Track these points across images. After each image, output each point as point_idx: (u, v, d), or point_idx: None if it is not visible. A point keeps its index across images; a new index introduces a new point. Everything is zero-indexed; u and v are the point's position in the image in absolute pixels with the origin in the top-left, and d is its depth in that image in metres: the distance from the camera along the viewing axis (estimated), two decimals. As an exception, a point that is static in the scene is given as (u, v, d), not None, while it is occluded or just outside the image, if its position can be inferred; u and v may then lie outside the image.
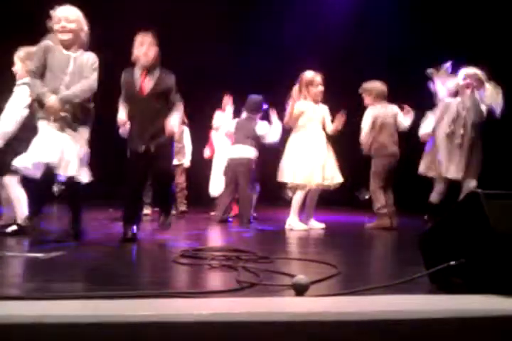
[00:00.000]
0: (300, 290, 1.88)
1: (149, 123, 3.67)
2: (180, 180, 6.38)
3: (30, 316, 1.41)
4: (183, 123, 6.46)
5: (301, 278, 1.91)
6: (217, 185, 6.18)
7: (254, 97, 5.70)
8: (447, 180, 4.98)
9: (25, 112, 3.92)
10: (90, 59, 3.51)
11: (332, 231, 4.84)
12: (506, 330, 1.58)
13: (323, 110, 5.04)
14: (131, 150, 3.76)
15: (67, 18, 3.46)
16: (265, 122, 5.60)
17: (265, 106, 5.71)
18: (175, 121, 3.74)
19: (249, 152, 5.51)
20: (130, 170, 3.75)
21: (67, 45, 3.48)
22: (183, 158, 6.45)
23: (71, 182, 3.47)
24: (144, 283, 2.22)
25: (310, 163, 4.85)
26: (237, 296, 1.90)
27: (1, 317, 1.40)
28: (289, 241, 4.15)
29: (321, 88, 4.98)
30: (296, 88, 4.97)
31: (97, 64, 3.53)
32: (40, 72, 3.42)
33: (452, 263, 1.94)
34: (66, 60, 3.46)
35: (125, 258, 3.07)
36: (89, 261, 2.81)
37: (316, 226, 4.98)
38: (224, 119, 6.25)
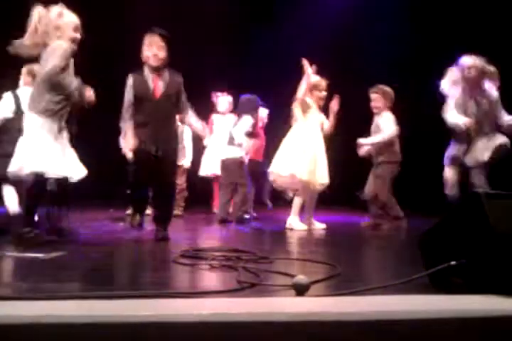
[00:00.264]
0: (300, 290, 1.88)
1: (162, 126, 3.68)
2: (181, 181, 6.36)
3: (28, 316, 1.41)
4: (184, 123, 6.47)
5: (301, 278, 1.90)
6: (208, 165, 6.28)
7: (244, 97, 5.71)
8: (459, 171, 4.84)
9: (10, 115, 4.17)
10: None
11: (332, 231, 4.84)
12: (506, 330, 1.58)
13: (322, 117, 5.09)
14: (140, 151, 3.71)
15: (79, 28, 3.48)
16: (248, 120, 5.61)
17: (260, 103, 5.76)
18: (199, 124, 3.88)
19: (240, 151, 5.55)
20: (134, 170, 3.79)
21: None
22: (184, 159, 6.44)
23: (65, 183, 3.48)
24: (144, 283, 2.22)
25: (314, 159, 4.86)
26: (238, 296, 1.90)
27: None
28: (289, 241, 4.15)
29: (324, 93, 5.04)
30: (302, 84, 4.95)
31: None
32: None
33: (453, 263, 1.94)
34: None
35: (125, 258, 3.07)
36: (89, 262, 2.81)
37: (317, 226, 4.98)
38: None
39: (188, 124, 4.00)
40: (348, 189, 6.07)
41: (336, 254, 3.37)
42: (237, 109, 5.92)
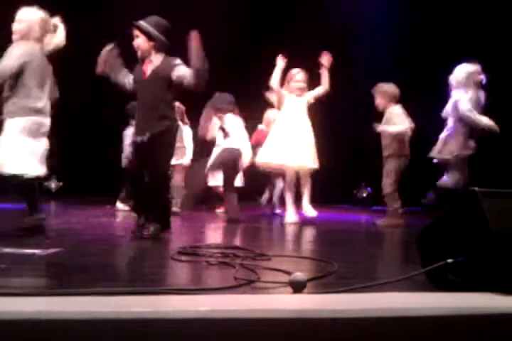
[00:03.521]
0: (297, 287, 1.88)
1: (150, 107, 3.64)
2: (179, 178, 6.34)
3: (25, 312, 1.41)
4: (185, 123, 6.43)
5: (298, 275, 1.91)
6: (214, 175, 6.31)
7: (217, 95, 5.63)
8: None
9: None
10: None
11: (330, 229, 4.84)
12: (503, 328, 1.58)
13: (303, 99, 5.17)
14: (132, 140, 3.75)
15: (19, 19, 3.47)
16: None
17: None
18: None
19: None
20: (130, 163, 3.77)
21: None
22: (181, 158, 6.39)
23: (15, 179, 3.37)
24: (141, 280, 2.22)
25: (285, 144, 4.98)
26: (235, 293, 1.90)
27: (-3, 314, 1.40)
28: (287, 239, 4.16)
29: (299, 85, 5.16)
30: None
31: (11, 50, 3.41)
32: None
33: (450, 261, 1.94)
34: None
35: (122, 255, 3.07)
36: (86, 258, 2.80)
37: (310, 212, 5.01)
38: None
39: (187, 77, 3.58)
40: (346, 186, 6.09)
41: (333, 251, 3.37)
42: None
